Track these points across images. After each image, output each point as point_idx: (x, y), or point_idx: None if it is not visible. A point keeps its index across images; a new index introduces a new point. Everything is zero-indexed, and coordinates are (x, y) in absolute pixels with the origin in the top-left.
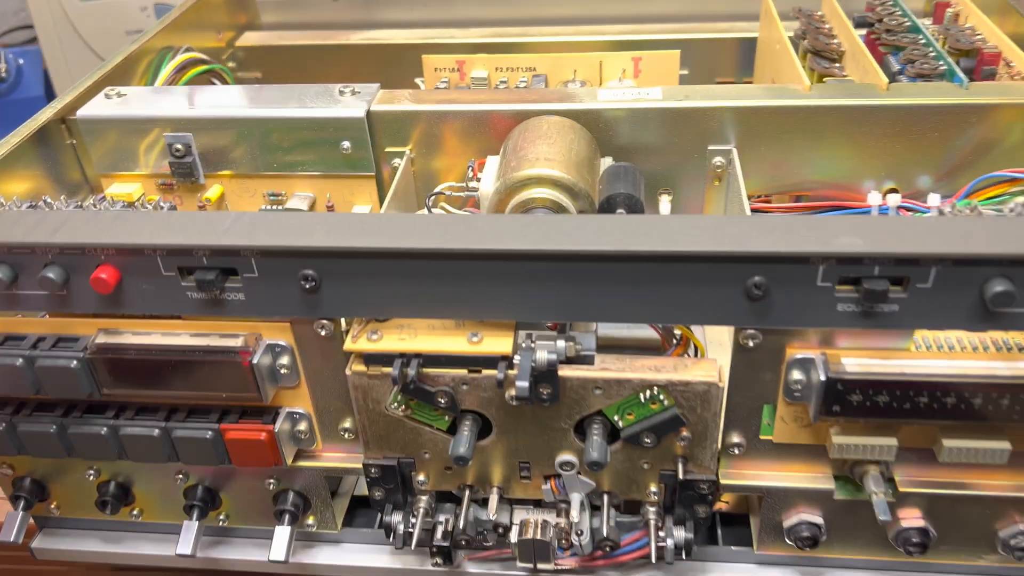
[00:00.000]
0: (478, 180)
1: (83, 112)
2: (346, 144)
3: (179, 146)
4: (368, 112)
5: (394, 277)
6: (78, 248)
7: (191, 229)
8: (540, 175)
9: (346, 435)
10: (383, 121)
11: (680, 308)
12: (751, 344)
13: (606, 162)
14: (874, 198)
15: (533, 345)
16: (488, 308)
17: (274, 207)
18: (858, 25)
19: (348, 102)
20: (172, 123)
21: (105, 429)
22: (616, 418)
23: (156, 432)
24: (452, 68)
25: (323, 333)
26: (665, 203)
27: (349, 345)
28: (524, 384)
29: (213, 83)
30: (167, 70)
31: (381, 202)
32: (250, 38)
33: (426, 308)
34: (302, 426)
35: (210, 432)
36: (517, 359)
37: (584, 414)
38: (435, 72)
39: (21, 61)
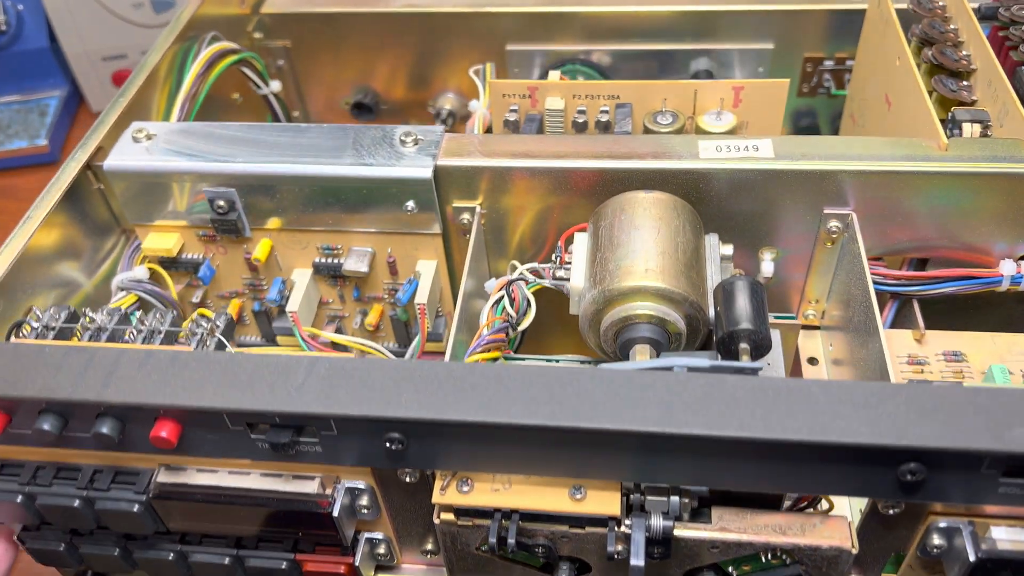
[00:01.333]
0: (566, 266)
1: (111, 163)
2: (411, 205)
3: (222, 203)
4: (435, 168)
5: (490, 440)
6: (134, 406)
7: (259, 385)
8: (643, 287)
9: (428, 556)
10: (451, 176)
11: (819, 483)
12: (891, 512)
13: (711, 241)
14: (1007, 267)
15: (643, 502)
16: (597, 471)
17: (329, 259)
18: (983, 18)
19: (412, 157)
20: (212, 178)
21: (172, 555)
22: (731, 569)
23: (227, 560)
24: (523, 94)
25: (408, 480)
26: (768, 263)
27: (438, 498)
28: (640, 564)
29: (244, 72)
30: (195, 69)
31: (447, 255)
32: (276, 3)
33: (525, 467)
34: (381, 549)
35: (285, 563)
36: (628, 524)
37: (696, 566)
38: (503, 98)
39: (21, 7)
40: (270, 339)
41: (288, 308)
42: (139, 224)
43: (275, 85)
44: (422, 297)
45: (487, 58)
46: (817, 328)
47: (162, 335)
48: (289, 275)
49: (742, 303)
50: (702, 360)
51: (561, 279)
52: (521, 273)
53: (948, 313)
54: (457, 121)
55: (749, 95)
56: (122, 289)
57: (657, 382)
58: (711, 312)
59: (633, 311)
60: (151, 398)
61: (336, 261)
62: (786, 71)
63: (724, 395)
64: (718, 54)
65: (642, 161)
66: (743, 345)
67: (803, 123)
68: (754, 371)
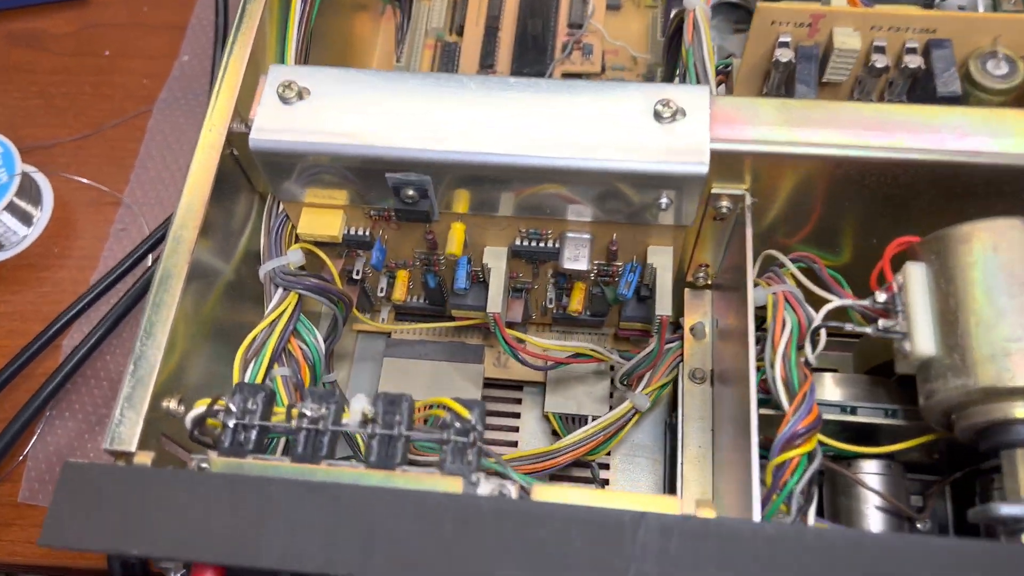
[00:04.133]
0: (896, 312)
1: (258, 138)
2: (665, 201)
3: (411, 192)
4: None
5: None
6: None
7: (578, 563)
8: None
9: None
10: (718, 162)
11: None
12: None
13: None
14: None
15: None
16: None
17: (534, 244)
18: None
19: (679, 138)
20: (398, 164)
21: None
22: None
23: None
24: (802, 23)
25: None
26: None
27: None
28: None
29: None
30: None
31: (690, 248)
32: None
33: None
34: None
35: None
36: None
37: None
38: (771, 26)
39: None
40: (441, 308)
41: (489, 309)
42: (290, 202)
43: None
44: (664, 307)
45: None
46: None
47: (401, 441)
48: (479, 254)
49: None
50: None
51: (892, 332)
52: (822, 321)
53: None
54: None
55: None
56: (278, 286)
57: None
58: None
59: (1018, 412)
60: None
61: (543, 247)
62: None
63: None
64: None
65: (976, 154)
66: None
67: None
68: None
